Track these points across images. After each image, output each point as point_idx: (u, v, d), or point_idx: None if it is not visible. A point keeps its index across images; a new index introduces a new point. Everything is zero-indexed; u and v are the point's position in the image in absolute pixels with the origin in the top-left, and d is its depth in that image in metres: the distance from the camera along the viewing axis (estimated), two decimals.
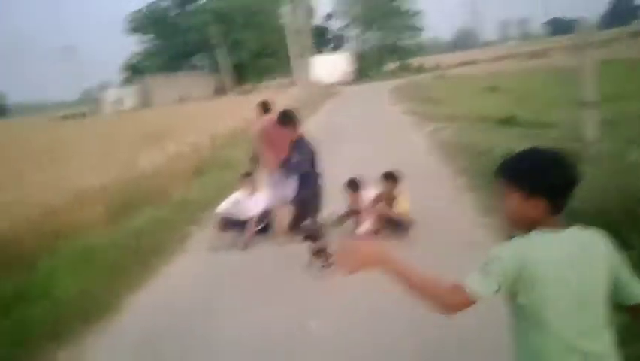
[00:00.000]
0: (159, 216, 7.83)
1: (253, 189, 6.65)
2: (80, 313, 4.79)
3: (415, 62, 61.78)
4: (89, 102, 66.47)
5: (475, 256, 1.84)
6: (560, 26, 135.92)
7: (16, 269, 5.66)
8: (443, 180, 8.26)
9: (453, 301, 1.65)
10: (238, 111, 22.01)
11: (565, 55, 33.33)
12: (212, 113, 22.83)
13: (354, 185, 6.28)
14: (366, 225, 5.95)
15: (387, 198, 5.86)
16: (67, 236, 6.62)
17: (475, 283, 1.63)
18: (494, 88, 23.90)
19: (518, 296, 1.65)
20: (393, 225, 5.87)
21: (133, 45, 79.17)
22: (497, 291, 1.63)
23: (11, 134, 28.01)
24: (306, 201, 5.67)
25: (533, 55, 48.15)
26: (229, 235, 6.47)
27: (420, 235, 5.73)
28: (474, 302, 1.64)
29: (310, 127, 19.09)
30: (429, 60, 62.71)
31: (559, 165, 1.65)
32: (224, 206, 6.56)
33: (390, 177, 5.89)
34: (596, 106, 6.75)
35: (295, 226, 5.71)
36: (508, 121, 13.68)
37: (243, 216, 6.59)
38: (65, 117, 62.32)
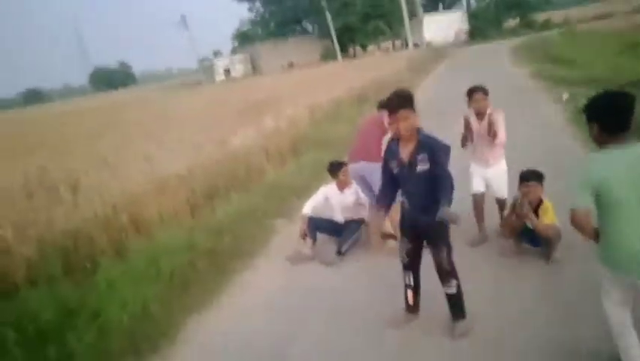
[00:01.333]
0: (245, 205, 6.92)
1: (345, 183, 5.33)
2: (133, 345, 3.95)
3: (539, 17, 55.98)
4: (205, 71, 68.71)
5: None
6: None
7: (77, 274, 5.01)
8: None
9: (576, 221, 2.52)
10: (343, 79, 20.80)
11: None
12: (316, 82, 21.79)
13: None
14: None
15: (529, 204, 4.35)
16: (141, 232, 5.92)
17: (575, 203, 2.49)
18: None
19: (598, 197, 2.45)
20: (533, 239, 4.39)
21: (244, 12, 80.00)
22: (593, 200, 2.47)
23: (117, 107, 29.15)
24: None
25: None
26: (320, 241, 5.35)
27: (569, 254, 4.22)
28: (586, 214, 2.48)
29: (419, 95, 17.46)
30: (555, 15, 56.53)
31: (606, 97, 2.50)
32: (311, 204, 5.40)
33: (534, 177, 4.37)
34: None
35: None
36: None
37: (334, 218, 5.44)
38: (183, 85, 65.30)
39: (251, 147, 9.54)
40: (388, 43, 64.14)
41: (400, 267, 3.78)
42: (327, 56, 55.19)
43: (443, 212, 3.08)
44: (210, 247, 5.51)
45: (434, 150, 3.25)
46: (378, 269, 4.66)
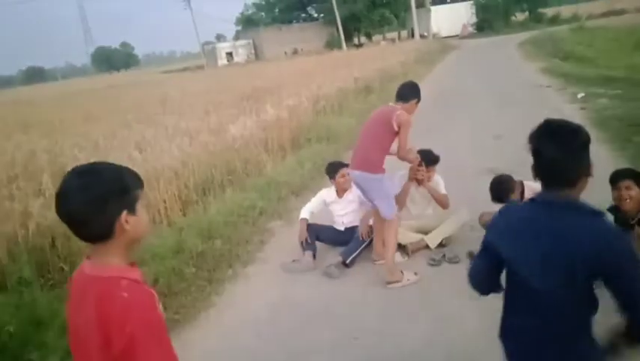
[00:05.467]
0: (240, 202, 6.43)
1: (344, 187, 4.85)
2: None
3: (548, 11, 55.06)
4: (207, 55, 67.87)
5: None
6: None
7: (52, 278, 4.54)
8: None
9: None
10: (348, 68, 20.20)
11: None
12: (320, 70, 21.17)
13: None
14: None
15: None
16: None
17: None
18: None
19: None
20: None
21: None
22: None
23: (118, 89, 28.56)
24: None
25: None
26: (321, 250, 4.88)
27: None
28: None
29: (425, 88, 16.78)
30: (564, 10, 55.64)
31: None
32: (309, 208, 4.93)
33: None
34: None
35: None
36: None
37: (334, 225, 4.95)
38: (185, 69, 64.58)
39: (249, 138, 9.04)
40: (394, 33, 63.27)
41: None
42: (332, 44, 54.34)
43: None
44: (200, 251, 5.04)
45: None
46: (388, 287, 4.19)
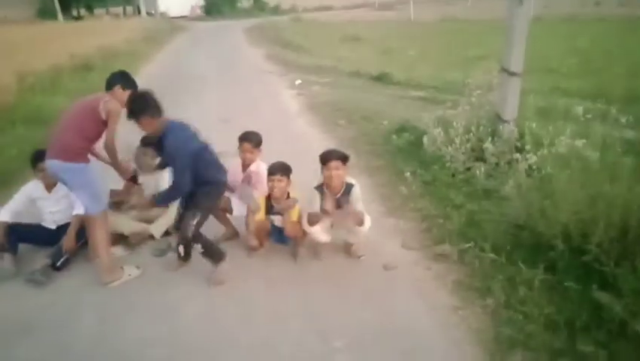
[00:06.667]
0: None
1: (48, 180, 4.22)
2: None
3: (271, 1, 58.85)
4: None
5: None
6: None
7: None
8: None
9: None
10: (65, 43, 18.10)
11: (415, 8, 33.47)
12: (30, 42, 18.50)
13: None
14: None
15: (275, 200, 4.06)
16: None
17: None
18: (357, 38, 22.96)
19: None
20: (282, 236, 4.15)
21: None
22: None
23: None
24: None
25: (382, 6, 48.87)
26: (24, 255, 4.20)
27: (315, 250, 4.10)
28: None
29: (154, 69, 16.20)
30: (284, 1, 60.17)
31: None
32: (10, 208, 4.18)
33: (280, 171, 4.07)
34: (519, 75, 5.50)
35: None
36: (381, 78, 12.61)
37: (43, 223, 4.31)
38: None
39: None
40: (119, 9, 59.28)
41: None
42: (46, 13, 47.98)
43: None
44: None
45: None
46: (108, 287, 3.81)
